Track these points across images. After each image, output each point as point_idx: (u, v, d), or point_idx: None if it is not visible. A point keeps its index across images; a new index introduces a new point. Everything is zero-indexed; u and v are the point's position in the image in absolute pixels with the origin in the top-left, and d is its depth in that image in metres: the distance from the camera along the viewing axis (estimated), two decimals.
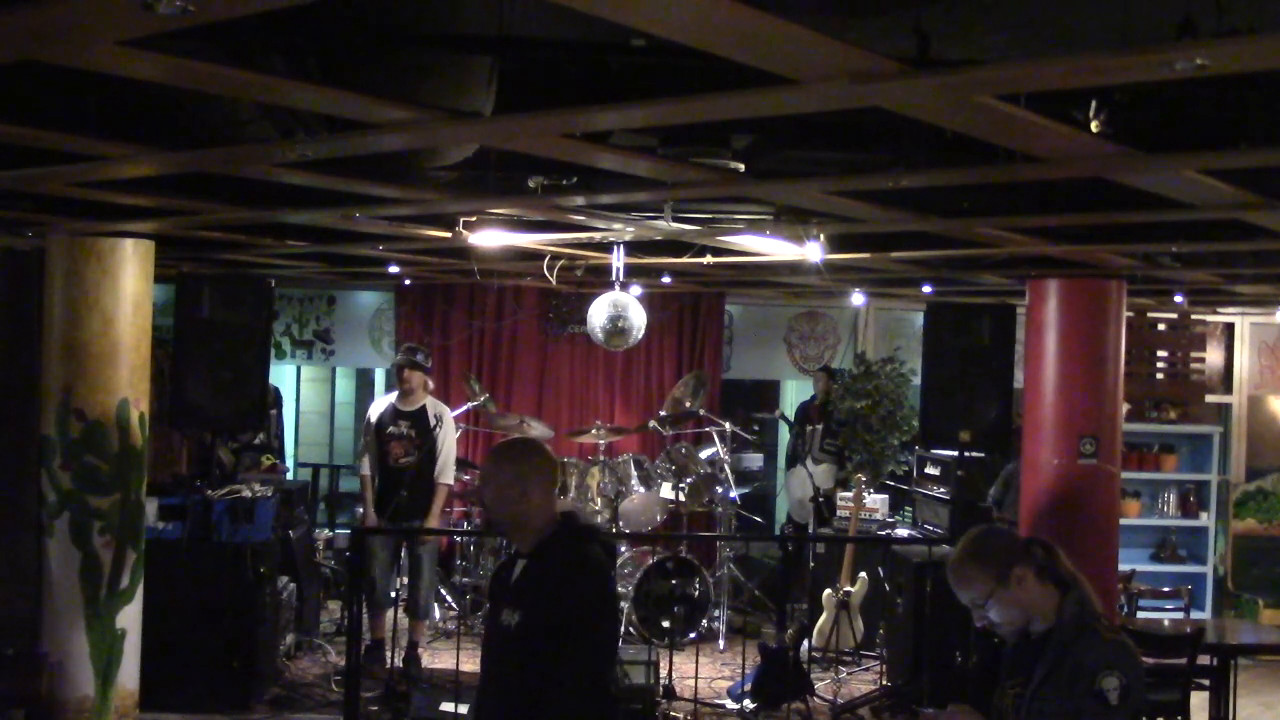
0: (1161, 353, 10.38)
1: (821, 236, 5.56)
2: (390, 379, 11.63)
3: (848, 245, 6.18)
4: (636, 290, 8.75)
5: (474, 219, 5.71)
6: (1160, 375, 10.34)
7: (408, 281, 10.14)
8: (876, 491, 9.16)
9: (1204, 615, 9.79)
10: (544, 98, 3.39)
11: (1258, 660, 8.39)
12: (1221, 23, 2.61)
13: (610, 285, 7.21)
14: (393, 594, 7.92)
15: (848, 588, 8.21)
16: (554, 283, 8.11)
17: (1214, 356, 10.63)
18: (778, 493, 11.49)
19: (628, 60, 3.41)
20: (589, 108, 3.20)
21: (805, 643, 7.67)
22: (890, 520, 9.01)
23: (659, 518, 8.84)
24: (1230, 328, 10.63)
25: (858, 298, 10.28)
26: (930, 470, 8.82)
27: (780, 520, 11.20)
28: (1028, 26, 3.07)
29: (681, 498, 8.88)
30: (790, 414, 10.96)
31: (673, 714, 7.13)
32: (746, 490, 10.37)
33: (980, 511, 8.00)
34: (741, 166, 4.23)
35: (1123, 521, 7.61)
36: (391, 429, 7.87)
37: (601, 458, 9.16)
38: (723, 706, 7.34)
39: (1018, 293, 7.57)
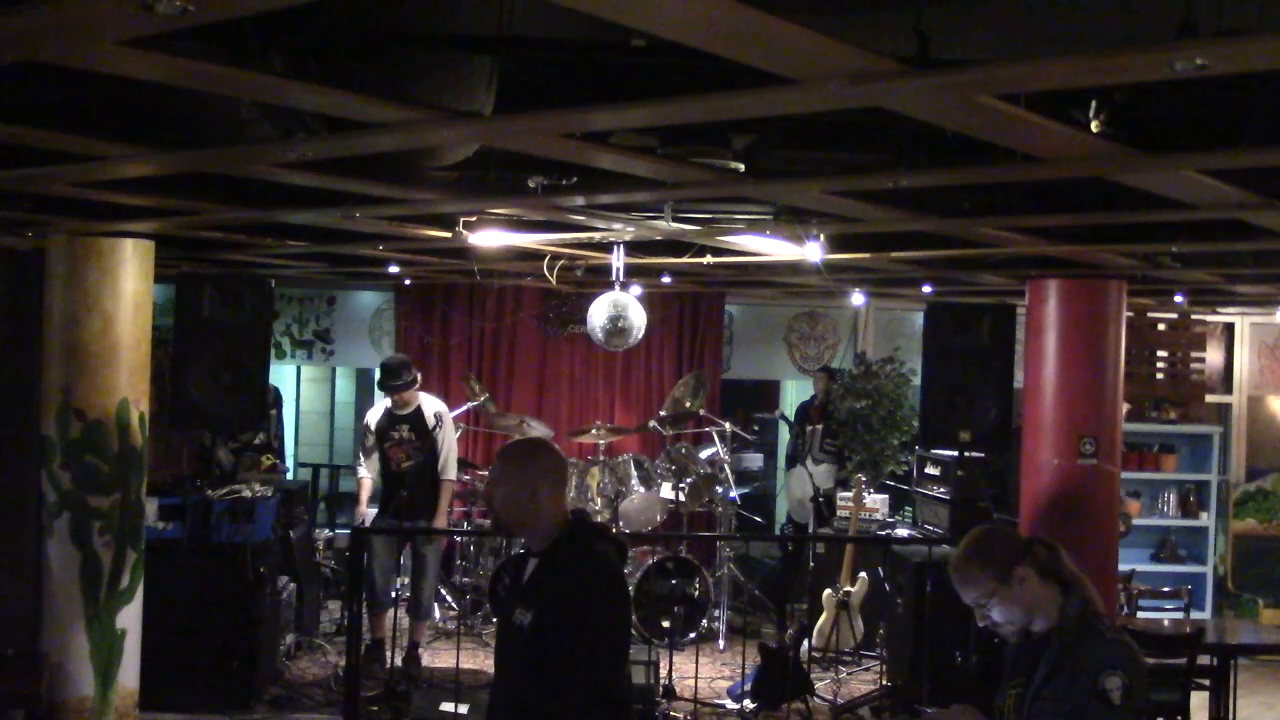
0: (1161, 353, 10.38)
1: (821, 236, 5.56)
2: None
3: (848, 245, 6.18)
4: (636, 290, 8.74)
5: (474, 219, 5.71)
6: (1160, 375, 10.34)
7: (408, 281, 10.14)
8: (876, 491, 9.16)
9: (1204, 615, 9.79)
10: (544, 98, 3.39)
11: (1258, 660, 8.39)
12: (1221, 23, 2.61)
13: (610, 285, 7.21)
14: (393, 594, 7.92)
15: (848, 588, 8.21)
16: (554, 283, 8.11)
17: (1214, 356, 10.63)
18: (778, 493, 11.49)
19: (628, 60, 3.41)
20: (589, 108, 3.20)
21: (805, 643, 7.67)
22: (890, 520, 9.01)
23: (659, 518, 8.84)
24: (1230, 328, 10.63)
25: (858, 298, 10.28)
26: (930, 470, 8.82)
27: (780, 520, 11.20)
28: (1028, 26, 3.07)
29: (681, 498, 8.87)
30: (790, 414, 10.96)
31: (673, 714, 7.13)
32: (746, 490, 10.37)
33: (980, 511, 8.00)
34: (741, 166, 4.23)
35: None
36: (393, 433, 7.86)
37: (601, 458, 9.16)
38: (723, 706, 7.34)
39: (1018, 293, 7.57)
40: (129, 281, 6.40)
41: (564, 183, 4.64)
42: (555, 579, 3.23)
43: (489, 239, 6.06)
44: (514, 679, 3.31)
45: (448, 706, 6.63)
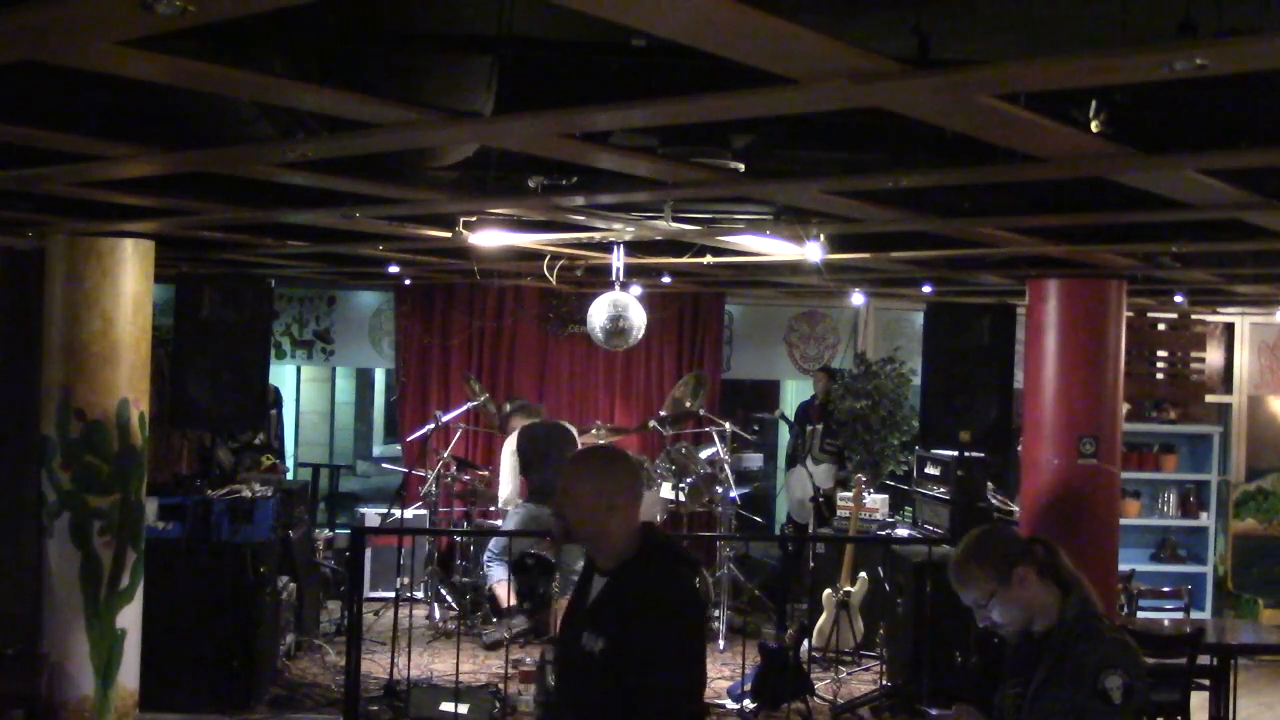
0: (1161, 353, 10.38)
1: (821, 236, 5.56)
2: (391, 379, 11.65)
3: (848, 245, 6.18)
4: (636, 290, 8.74)
5: (474, 219, 5.71)
6: (1160, 375, 10.34)
7: (408, 281, 10.14)
8: (876, 491, 9.16)
9: (1204, 615, 9.79)
10: (544, 98, 3.39)
11: (1258, 660, 8.39)
12: (1221, 23, 2.61)
13: (610, 285, 7.21)
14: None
15: (848, 588, 8.21)
16: (554, 283, 8.11)
17: (1214, 356, 10.63)
18: (778, 493, 11.49)
19: (628, 60, 3.41)
20: (589, 108, 3.20)
21: (805, 643, 7.67)
22: (890, 520, 9.01)
23: (659, 518, 8.83)
24: (1230, 328, 10.63)
25: (858, 298, 10.28)
26: (930, 470, 8.81)
27: (780, 520, 11.20)
28: (1028, 26, 3.07)
29: (681, 498, 8.87)
30: (790, 414, 10.96)
31: None
32: (746, 490, 10.37)
33: (980, 512, 8.00)
34: (741, 166, 4.23)
35: (1123, 521, 7.61)
36: None
37: None
38: (723, 706, 7.33)
39: (1018, 293, 7.57)
40: (129, 281, 6.40)
41: (564, 183, 4.64)
42: (632, 605, 3.01)
43: (489, 239, 6.06)
44: (585, 707, 3.11)
45: (448, 706, 6.62)
